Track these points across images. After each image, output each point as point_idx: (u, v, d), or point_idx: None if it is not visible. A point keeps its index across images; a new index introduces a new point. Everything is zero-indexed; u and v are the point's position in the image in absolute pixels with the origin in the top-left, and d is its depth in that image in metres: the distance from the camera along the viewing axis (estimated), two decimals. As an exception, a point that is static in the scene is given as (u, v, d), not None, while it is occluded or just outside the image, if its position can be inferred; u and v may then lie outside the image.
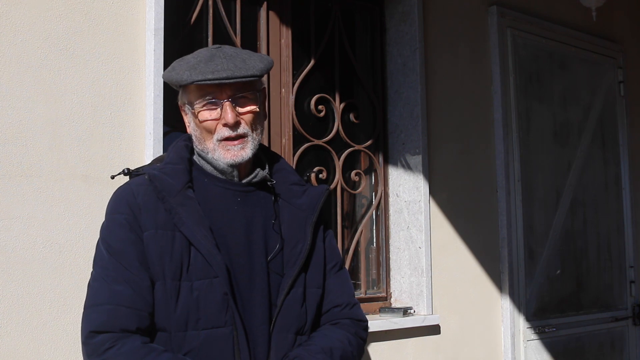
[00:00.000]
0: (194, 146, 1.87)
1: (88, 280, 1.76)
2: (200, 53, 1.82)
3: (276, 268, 1.82)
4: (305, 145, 3.30)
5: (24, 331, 2.27)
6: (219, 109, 1.78)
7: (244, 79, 1.76)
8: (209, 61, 1.76)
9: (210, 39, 2.97)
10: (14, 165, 2.30)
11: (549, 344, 4.01)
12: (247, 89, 1.80)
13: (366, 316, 3.22)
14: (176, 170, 1.80)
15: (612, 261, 4.58)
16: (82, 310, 1.74)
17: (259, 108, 1.82)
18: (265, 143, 3.13)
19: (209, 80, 1.73)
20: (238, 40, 3.06)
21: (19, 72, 2.33)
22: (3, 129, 2.29)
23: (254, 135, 1.82)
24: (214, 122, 1.79)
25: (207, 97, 1.78)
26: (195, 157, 1.87)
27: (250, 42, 3.16)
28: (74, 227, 2.39)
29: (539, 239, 4.07)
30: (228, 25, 3.04)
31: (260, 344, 1.76)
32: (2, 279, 2.24)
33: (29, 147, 2.33)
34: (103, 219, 1.82)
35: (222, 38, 3.01)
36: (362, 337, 1.92)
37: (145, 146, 2.57)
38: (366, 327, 1.95)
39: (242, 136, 1.79)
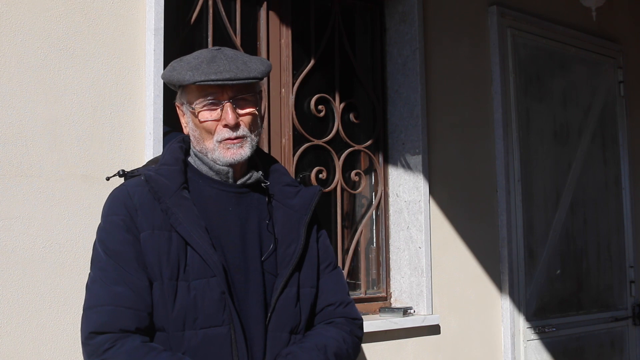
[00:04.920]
0: (192, 147, 1.88)
1: (86, 282, 1.77)
2: (201, 54, 1.83)
3: (270, 268, 1.83)
4: (305, 145, 3.30)
5: (24, 331, 2.27)
6: (219, 110, 1.79)
7: (246, 81, 1.77)
8: (211, 62, 1.78)
9: (210, 39, 2.97)
10: (14, 165, 2.30)
11: (549, 344, 4.01)
12: (247, 91, 1.82)
13: (366, 316, 3.26)
14: (172, 171, 1.81)
15: (612, 261, 4.58)
16: (81, 310, 1.74)
17: (257, 110, 1.83)
18: (265, 143, 3.13)
19: (212, 81, 1.74)
20: (238, 40, 3.06)
21: (19, 72, 2.33)
22: (3, 129, 2.29)
23: (253, 136, 1.83)
24: (214, 123, 1.80)
25: (208, 98, 1.79)
26: (191, 159, 1.88)
27: (250, 42, 3.16)
28: (74, 227, 2.39)
29: (539, 239, 4.07)
30: (228, 25, 3.04)
31: (257, 343, 1.77)
32: (2, 279, 2.24)
33: (29, 147, 2.33)
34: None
35: (222, 38, 3.01)
36: (358, 335, 1.93)
37: (145, 146, 2.57)
38: (361, 325, 1.96)
39: (241, 137, 1.80)
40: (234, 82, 1.76)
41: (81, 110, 2.45)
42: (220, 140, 1.80)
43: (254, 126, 1.84)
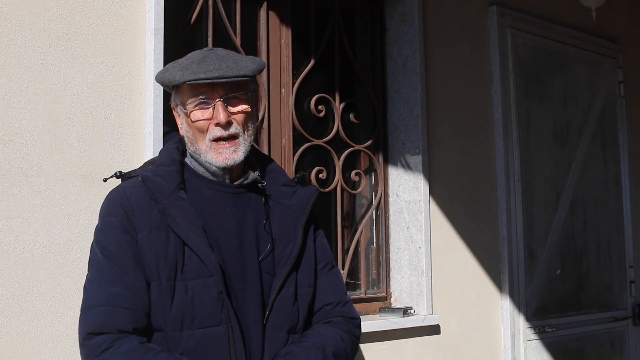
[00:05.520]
0: (187, 148, 1.88)
1: (83, 283, 1.77)
2: (193, 55, 1.84)
3: (267, 268, 1.83)
4: (305, 145, 3.30)
5: (24, 331, 2.27)
6: (211, 109, 1.79)
7: (235, 79, 1.77)
8: (202, 62, 1.78)
9: (210, 39, 2.97)
10: (14, 165, 2.30)
11: (549, 344, 4.01)
12: (239, 89, 1.81)
13: (366, 316, 3.26)
14: (168, 172, 1.81)
15: (612, 261, 4.58)
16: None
17: (250, 108, 1.83)
18: (265, 143, 3.13)
19: (201, 79, 1.75)
20: (238, 40, 3.06)
21: (19, 72, 2.33)
22: (3, 129, 2.29)
23: (246, 135, 1.82)
24: (206, 122, 1.80)
25: (200, 97, 1.79)
26: (187, 159, 1.89)
27: (250, 42, 3.16)
28: (74, 227, 2.39)
29: (539, 239, 4.07)
30: (228, 25, 3.04)
31: (255, 343, 1.77)
32: (2, 279, 2.25)
33: (29, 147, 2.33)
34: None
35: (222, 38, 3.02)
36: (355, 334, 1.93)
37: (145, 146, 2.58)
38: (359, 325, 1.96)
39: (234, 136, 1.80)
40: (223, 80, 1.76)
41: (81, 110, 2.46)
42: (212, 138, 1.79)
43: (247, 125, 1.83)
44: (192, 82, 1.75)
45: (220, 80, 1.76)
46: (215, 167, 1.81)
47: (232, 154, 1.80)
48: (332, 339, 1.83)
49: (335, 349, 1.82)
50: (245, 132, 1.82)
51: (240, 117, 1.81)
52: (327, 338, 1.83)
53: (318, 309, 1.90)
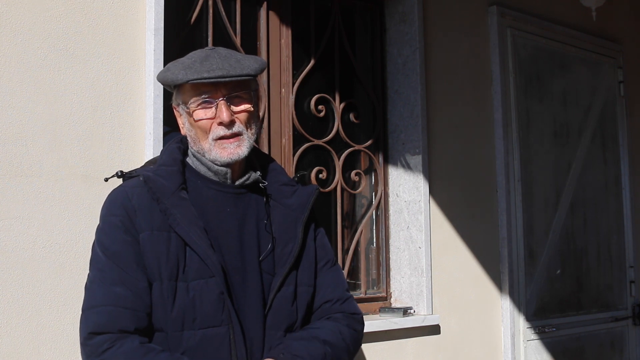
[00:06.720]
0: (189, 147, 1.88)
1: (85, 283, 1.77)
2: (195, 54, 1.84)
3: (268, 268, 1.83)
4: (305, 145, 3.30)
5: (24, 331, 2.27)
6: (214, 108, 1.79)
7: (238, 78, 1.78)
8: (204, 61, 1.78)
9: (210, 39, 2.97)
10: (14, 165, 2.30)
11: (549, 344, 4.01)
12: (241, 89, 1.82)
13: (366, 316, 3.26)
14: (170, 172, 1.81)
15: (612, 261, 4.58)
16: (81, 310, 1.74)
17: (253, 107, 1.83)
18: (265, 143, 3.13)
19: (205, 78, 1.75)
20: (238, 40, 3.06)
21: (19, 72, 2.33)
22: (3, 129, 2.29)
23: (249, 134, 1.83)
24: (209, 121, 1.80)
25: (203, 96, 1.79)
26: (189, 159, 1.88)
27: (250, 42, 3.16)
28: (74, 227, 2.39)
29: (539, 239, 4.07)
30: (228, 25, 3.05)
31: (256, 342, 1.78)
32: (2, 279, 2.24)
33: (29, 147, 2.33)
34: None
35: (222, 38, 3.02)
36: (357, 328, 1.92)
37: (145, 146, 2.58)
38: (361, 320, 1.95)
39: (237, 134, 1.80)
40: (227, 79, 1.76)
41: (81, 110, 2.46)
42: (215, 138, 1.79)
43: (250, 123, 1.83)
44: (195, 81, 1.75)
45: (223, 80, 1.76)
46: (220, 163, 1.81)
47: (237, 149, 1.80)
48: (327, 329, 1.83)
49: (331, 338, 1.81)
50: (249, 130, 1.83)
51: (243, 116, 1.81)
52: (322, 329, 1.83)
53: (318, 307, 1.90)
